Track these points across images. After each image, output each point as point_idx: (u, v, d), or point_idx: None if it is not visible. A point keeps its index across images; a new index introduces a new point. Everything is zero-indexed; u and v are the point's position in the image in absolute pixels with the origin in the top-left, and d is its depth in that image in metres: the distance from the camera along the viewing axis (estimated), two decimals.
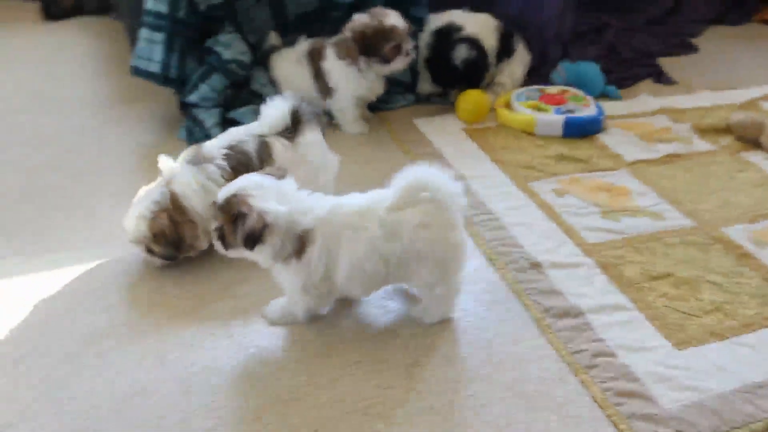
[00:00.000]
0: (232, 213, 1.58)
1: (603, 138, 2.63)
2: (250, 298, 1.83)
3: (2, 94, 3.09)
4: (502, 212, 2.18)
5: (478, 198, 2.25)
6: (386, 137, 2.67)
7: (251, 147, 1.94)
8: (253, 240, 1.57)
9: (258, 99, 2.60)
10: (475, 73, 2.85)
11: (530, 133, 2.65)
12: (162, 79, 2.61)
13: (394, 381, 1.58)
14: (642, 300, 1.81)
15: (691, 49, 3.53)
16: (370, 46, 2.52)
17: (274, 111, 1.98)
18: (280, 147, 1.96)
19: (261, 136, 1.97)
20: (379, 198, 1.65)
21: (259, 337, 1.70)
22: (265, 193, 1.59)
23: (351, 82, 2.59)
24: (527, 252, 2.00)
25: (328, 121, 2.73)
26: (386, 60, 2.54)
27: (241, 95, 2.66)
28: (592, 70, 2.98)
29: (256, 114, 2.49)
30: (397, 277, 1.68)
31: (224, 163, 1.89)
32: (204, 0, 2.58)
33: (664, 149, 2.55)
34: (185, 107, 2.63)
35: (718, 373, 1.60)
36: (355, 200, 1.67)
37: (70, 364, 1.62)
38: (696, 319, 1.75)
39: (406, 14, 2.63)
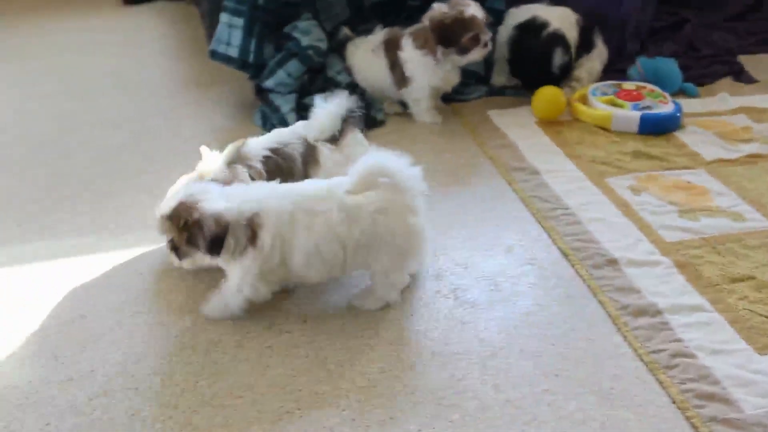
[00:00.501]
0: (184, 222, 1.59)
1: (680, 136, 2.58)
2: None
3: (83, 75, 3.18)
4: (577, 207, 2.15)
5: (554, 192, 2.23)
6: (460, 128, 2.66)
7: (297, 150, 1.92)
8: (217, 244, 1.58)
9: (333, 85, 2.64)
10: (565, 74, 2.82)
11: (605, 129, 2.61)
12: (240, 63, 2.65)
13: (468, 372, 1.57)
14: (721, 302, 1.77)
15: None
16: (449, 36, 2.50)
17: (326, 116, 1.96)
18: (326, 151, 1.95)
19: (305, 138, 1.95)
20: (337, 183, 1.65)
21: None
22: (211, 196, 1.61)
23: (427, 72, 2.59)
24: (603, 248, 1.97)
25: (402, 110, 2.73)
26: (464, 50, 2.53)
27: (317, 82, 2.68)
28: (669, 66, 2.92)
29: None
30: (356, 262, 1.67)
31: (259, 166, 1.87)
32: None
33: (745, 149, 2.48)
34: (261, 92, 2.66)
35: None
36: (311, 185, 1.68)
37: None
38: None
39: (483, 5, 2.61)
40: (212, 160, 1.86)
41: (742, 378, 1.55)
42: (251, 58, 2.63)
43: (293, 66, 2.61)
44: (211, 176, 1.80)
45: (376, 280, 1.73)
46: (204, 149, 1.88)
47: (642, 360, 1.61)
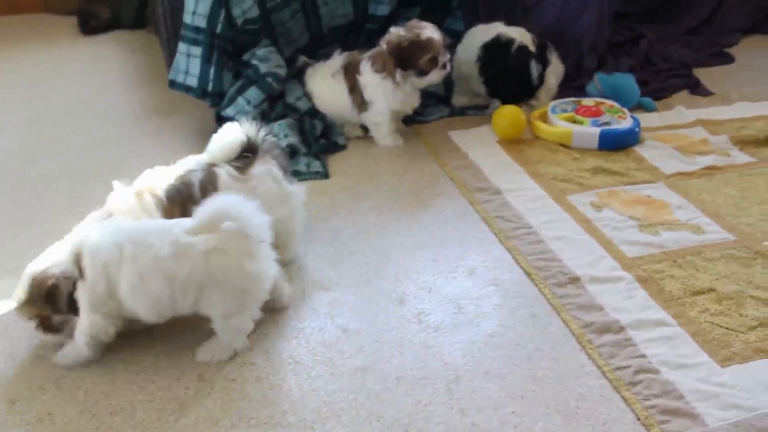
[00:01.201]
0: (43, 295, 1.59)
1: (640, 150, 2.61)
2: None
3: (40, 106, 3.14)
4: (540, 226, 2.17)
5: (516, 211, 2.24)
6: (421, 150, 2.67)
7: (196, 177, 1.84)
8: (71, 301, 1.58)
9: (293, 112, 2.64)
10: (542, 83, 2.86)
11: (566, 146, 2.63)
12: (199, 92, 2.64)
13: (434, 397, 1.57)
14: (684, 315, 1.79)
15: (728, 59, 3.49)
16: (407, 59, 2.52)
17: (223, 138, 1.89)
18: (226, 178, 1.85)
19: (210, 165, 1.87)
20: (178, 222, 1.65)
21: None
22: (51, 255, 1.63)
23: (387, 96, 2.59)
24: (566, 266, 1.98)
25: (364, 134, 2.74)
26: (423, 73, 2.54)
27: (276, 108, 2.68)
28: (627, 81, 2.96)
29: (291, 128, 2.54)
30: (189, 302, 1.62)
31: (162, 194, 1.82)
32: (241, 14, 2.61)
33: (703, 162, 2.52)
34: (221, 120, 2.64)
35: (765, 391, 1.56)
36: (152, 222, 1.67)
37: None
38: (740, 336, 1.72)
39: (441, 26, 2.63)
40: (121, 194, 1.82)
41: (706, 391, 1.56)
42: (210, 86, 2.63)
43: (253, 93, 2.61)
44: (120, 211, 1.77)
45: (217, 325, 1.67)
46: (116, 183, 1.84)
47: (606, 377, 1.61)
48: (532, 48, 2.83)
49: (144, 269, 1.58)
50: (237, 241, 1.61)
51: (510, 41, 2.79)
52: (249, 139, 1.89)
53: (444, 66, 2.55)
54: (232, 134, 1.90)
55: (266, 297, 1.71)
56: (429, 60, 2.52)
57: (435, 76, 2.56)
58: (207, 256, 1.59)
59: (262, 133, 1.92)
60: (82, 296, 1.61)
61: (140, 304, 1.61)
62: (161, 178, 1.86)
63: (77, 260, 1.60)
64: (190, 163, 1.90)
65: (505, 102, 2.77)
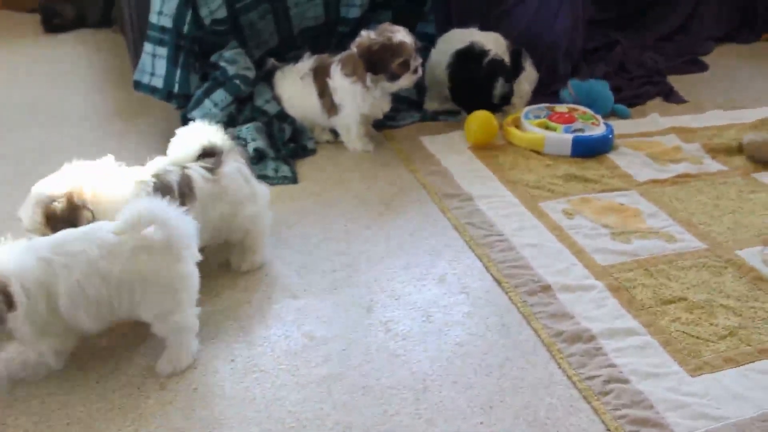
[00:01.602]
0: None
1: (613, 157, 2.64)
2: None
3: (0, 108, 3.10)
4: (511, 233, 2.18)
5: (487, 218, 2.25)
6: (392, 155, 2.67)
7: (174, 179, 1.84)
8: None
9: (262, 116, 2.63)
10: (506, 102, 2.88)
11: (538, 152, 2.65)
12: (165, 94, 2.63)
13: (401, 407, 1.57)
14: (654, 324, 1.80)
15: (701, 67, 3.55)
16: (377, 63, 2.52)
17: (185, 140, 1.91)
18: (200, 180, 1.86)
19: (184, 167, 1.87)
20: (99, 225, 1.64)
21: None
22: None
23: (357, 100, 2.59)
24: (537, 274, 1.99)
25: (334, 139, 2.74)
26: (394, 77, 2.54)
27: (244, 111, 2.67)
28: (601, 88, 2.99)
29: (259, 131, 2.53)
30: (125, 303, 1.61)
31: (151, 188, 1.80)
32: (209, 14, 2.60)
33: (675, 169, 2.55)
34: (188, 123, 2.62)
35: (734, 401, 1.58)
36: (68, 231, 1.63)
37: None
38: (710, 345, 1.74)
39: (413, 30, 2.64)
40: (114, 176, 1.81)
41: (675, 401, 1.58)
42: (176, 88, 2.61)
43: (220, 96, 2.59)
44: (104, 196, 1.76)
45: (158, 329, 1.66)
46: (110, 159, 1.84)
47: (576, 387, 1.62)
48: (505, 56, 2.85)
49: (80, 275, 1.55)
50: (164, 243, 1.60)
51: (483, 52, 2.80)
52: (210, 140, 1.90)
53: (416, 71, 2.56)
54: (193, 136, 1.91)
55: (196, 296, 1.70)
56: (400, 64, 2.53)
57: (406, 81, 2.56)
58: (135, 254, 1.58)
59: (222, 133, 1.93)
60: (21, 326, 1.54)
61: (82, 312, 1.58)
62: (147, 172, 1.84)
63: (1, 291, 1.52)
64: (162, 165, 1.89)
65: (468, 111, 2.78)
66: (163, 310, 1.64)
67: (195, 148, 1.90)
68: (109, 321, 1.65)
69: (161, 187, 1.80)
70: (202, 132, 1.91)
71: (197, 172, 1.87)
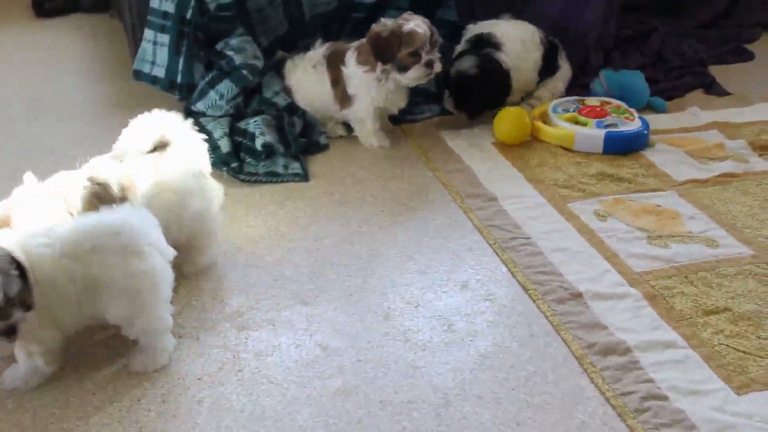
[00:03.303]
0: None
1: (648, 155, 2.63)
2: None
3: None
4: (538, 236, 2.18)
5: (513, 220, 2.25)
6: (410, 152, 2.67)
7: (113, 176, 1.85)
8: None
9: (270, 108, 2.64)
10: (491, 96, 2.81)
11: (568, 149, 2.65)
12: (167, 84, 2.64)
13: (421, 423, 1.57)
14: (695, 337, 1.80)
15: (747, 56, 3.52)
16: (384, 52, 2.52)
17: (135, 131, 1.94)
18: (141, 173, 1.87)
19: (122, 160, 1.89)
20: (70, 220, 1.68)
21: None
22: None
23: (370, 91, 2.60)
24: (567, 281, 1.99)
25: (348, 134, 2.74)
26: (403, 68, 2.55)
27: (252, 104, 2.68)
28: (636, 79, 2.98)
29: (268, 125, 2.54)
30: (91, 307, 1.64)
31: (74, 196, 1.81)
32: None
33: (718, 168, 2.54)
34: (191, 116, 2.64)
35: None
36: (34, 226, 1.66)
37: None
38: (758, 360, 1.73)
39: (432, 16, 2.64)
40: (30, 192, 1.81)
41: (720, 421, 1.57)
42: (179, 78, 2.63)
43: (226, 86, 2.61)
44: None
45: (128, 332, 1.69)
46: (28, 176, 1.83)
47: (610, 404, 1.62)
48: (531, 53, 2.86)
49: (50, 270, 1.58)
50: (117, 239, 1.62)
51: (495, 63, 2.76)
52: (163, 132, 1.93)
53: (429, 64, 2.55)
54: (145, 126, 1.94)
55: (169, 293, 1.71)
56: (409, 54, 2.52)
57: (416, 73, 2.55)
58: (88, 255, 1.60)
59: (183, 123, 1.97)
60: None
61: (56, 307, 1.61)
62: (73, 180, 1.84)
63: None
64: (103, 160, 1.91)
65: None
66: (128, 313, 1.66)
67: (149, 139, 1.92)
68: (81, 321, 1.68)
69: (97, 190, 1.82)
70: (157, 123, 1.94)
71: (137, 164, 1.89)
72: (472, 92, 2.75)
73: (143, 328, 1.68)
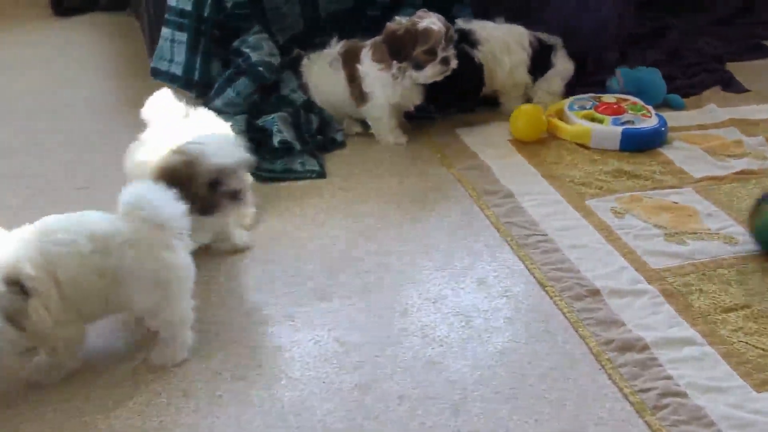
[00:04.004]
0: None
1: (665, 152, 2.62)
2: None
3: (7, 96, 3.15)
4: (555, 233, 2.18)
5: (530, 217, 2.25)
6: (426, 149, 2.68)
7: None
8: None
9: (287, 105, 2.65)
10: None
11: (584, 146, 2.64)
12: (184, 82, 2.66)
13: (439, 419, 1.58)
14: (714, 334, 1.79)
15: (764, 52, 3.50)
16: (400, 49, 2.53)
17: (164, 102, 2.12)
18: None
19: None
20: (90, 215, 1.68)
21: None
22: None
23: (386, 89, 2.60)
24: (584, 278, 1.99)
25: (364, 131, 2.75)
26: (418, 65, 2.55)
27: (269, 101, 2.69)
28: (652, 76, 2.97)
29: (285, 122, 2.55)
30: (118, 299, 1.66)
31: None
32: None
33: (736, 165, 2.53)
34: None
35: None
36: (58, 218, 1.67)
37: None
38: None
39: (447, 13, 2.64)
40: None
41: (740, 419, 1.57)
42: (197, 75, 2.64)
43: (243, 84, 2.62)
44: None
45: (150, 324, 1.72)
46: None
47: (628, 400, 1.62)
48: (515, 54, 2.83)
49: (76, 267, 1.59)
50: (151, 232, 1.64)
51: (467, 58, 2.73)
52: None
53: (445, 61, 2.55)
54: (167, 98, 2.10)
55: (191, 286, 1.73)
56: (425, 51, 2.52)
57: (432, 71, 2.55)
58: (122, 249, 1.62)
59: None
60: (40, 314, 1.57)
61: (81, 301, 1.62)
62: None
63: (14, 281, 1.55)
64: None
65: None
66: (153, 305, 1.67)
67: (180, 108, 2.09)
68: (105, 313, 1.72)
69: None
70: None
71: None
72: (441, 85, 2.69)
73: (168, 320, 1.70)
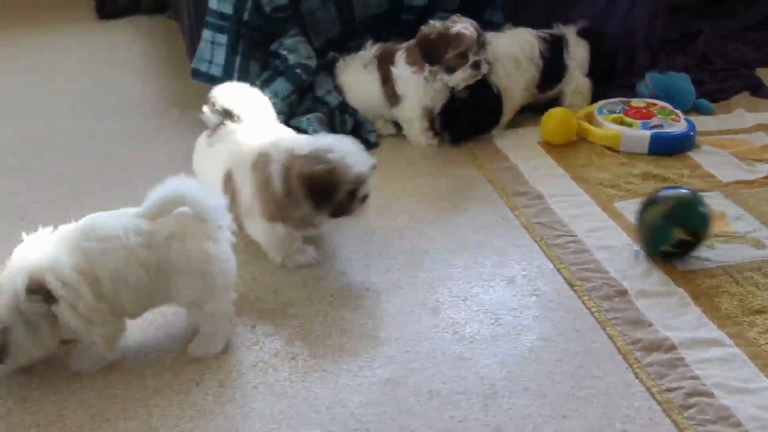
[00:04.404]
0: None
1: (694, 156, 2.60)
2: None
3: (52, 96, 3.19)
4: (584, 234, 2.17)
5: (559, 218, 2.24)
6: (458, 150, 2.68)
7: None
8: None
9: (323, 106, 2.66)
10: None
11: (613, 150, 2.63)
12: (223, 83, 2.67)
13: (469, 413, 1.58)
14: (741, 336, 1.78)
15: None
16: (432, 53, 2.53)
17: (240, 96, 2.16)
18: None
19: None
20: (125, 211, 1.68)
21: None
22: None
23: (419, 91, 2.61)
24: (612, 278, 1.98)
25: (397, 132, 2.75)
26: (449, 69, 2.55)
27: (305, 102, 2.71)
28: (681, 81, 2.95)
29: (320, 123, 2.56)
30: (162, 292, 1.67)
31: None
32: (269, 1, 2.64)
33: (764, 170, 2.50)
34: None
35: None
36: (94, 216, 1.68)
37: None
38: None
39: (480, 19, 2.63)
40: None
41: (767, 420, 1.55)
42: (236, 77, 2.66)
43: (280, 85, 2.63)
44: None
45: (193, 317, 1.74)
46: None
47: (655, 399, 1.61)
48: (524, 66, 2.76)
49: (120, 262, 1.60)
50: (194, 225, 1.65)
51: (486, 86, 2.67)
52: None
53: (476, 65, 2.54)
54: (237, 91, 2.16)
55: (234, 278, 1.75)
56: (456, 55, 2.52)
57: (463, 75, 2.55)
58: (167, 243, 1.63)
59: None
60: (68, 318, 1.59)
61: (124, 298, 1.64)
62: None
63: (37, 289, 1.58)
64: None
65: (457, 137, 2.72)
66: (197, 297, 1.69)
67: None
68: (148, 307, 1.73)
69: None
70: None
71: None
72: (461, 116, 2.69)
73: (211, 312, 1.71)
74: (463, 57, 2.53)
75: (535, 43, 2.81)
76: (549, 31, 2.88)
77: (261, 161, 1.95)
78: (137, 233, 1.62)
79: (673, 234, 1.99)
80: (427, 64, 2.56)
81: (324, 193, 1.87)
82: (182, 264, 1.65)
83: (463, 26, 2.52)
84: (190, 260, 1.65)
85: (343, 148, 1.92)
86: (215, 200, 1.68)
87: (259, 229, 2.02)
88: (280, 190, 1.91)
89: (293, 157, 1.90)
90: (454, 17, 2.57)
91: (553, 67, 2.84)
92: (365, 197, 1.95)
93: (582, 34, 2.90)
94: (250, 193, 1.97)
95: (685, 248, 2.02)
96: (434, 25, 2.56)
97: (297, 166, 1.88)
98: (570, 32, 2.89)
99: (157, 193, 1.64)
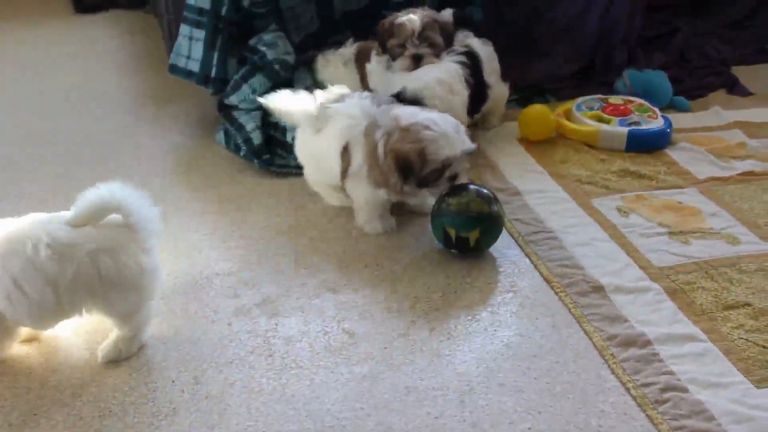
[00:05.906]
0: None
1: (670, 153, 2.61)
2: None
3: (30, 91, 3.17)
4: (561, 230, 2.18)
5: (536, 214, 2.25)
6: None
7: None
8: None
9: None
10: None
11: (591, 146, 2.63)
12: (201, 78, 2.66)
13: (445, 409, 1.58)
14: (715, 331, 1.79)
15: None
16: (383, 42, 2.56)
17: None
18: None
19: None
20: (56, 216, 1.63)
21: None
22: None
23: (382, 82, 2.60)
24: (589, 274, 1.99)
25: None
26: (393, 57, 2.56)
27: None
28: (659, 79, 2.97)
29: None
30: (82, 305, 1.62)
31: None
32: None
33: (739, 167, 2.52)
34: (224, 109, 2.66)
35: None
36: (24, 218, 1.63)
37: None
38: None
39: (463, 10, 2.63)
40: None
41: (740, 414, 1.57)
42: (213, 72, 2.64)
43: (258, 81, 2.62)
44: None
45: (117, 324, 1.69)
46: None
47: (630, 394, 1.62)
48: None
49: (17, 272, 1.54)
50: (127, 237, 1.61)
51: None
52: None
53: (415, 58, 2.50)
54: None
55: (159, 288, 1.74)
56: (397, 45, 2.53)
57: (401, 64, 2.53)
58: (94, 255, 1.58)
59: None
60: None
61: (21, 311, 1.58)
62: None
63: None
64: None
65: None
66: (129, 310, 1.67)
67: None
68: (57, 322, 1.68)
69: None
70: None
71: None
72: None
73: (137, 324, 1.69)
74: (402, 47, 2.54)
75: (460, 73, 2.52)
76: (460, 50, 2.58)
77: (371, 128, 2.05)
78: (50, 246, 1.55)
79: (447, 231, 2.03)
80: (384, 55, 2.59)
81: (409, 170, 1.97)
82: (114, 278, 1.60)
83: (408, 18, 2.52)
84: (123, 275, 1.60)
85: (441, 128, 1.98)
86: (150, 210, 1.64)
87: (360, 192, 2.12)
88: (382, 156, 2.01)
89: (395, 127, 2.00)
90: (421, 9, 2.57)
91: (478, 91, 2.59)
92: (454, 177, 2.03)
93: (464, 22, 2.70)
94: (361, 158, 2.06)
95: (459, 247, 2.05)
96: (392, 16, 2.57)
97: (392, 139, 1.98)
98: (473, 41, 2.65)
99: (88, 199, 1.58)
